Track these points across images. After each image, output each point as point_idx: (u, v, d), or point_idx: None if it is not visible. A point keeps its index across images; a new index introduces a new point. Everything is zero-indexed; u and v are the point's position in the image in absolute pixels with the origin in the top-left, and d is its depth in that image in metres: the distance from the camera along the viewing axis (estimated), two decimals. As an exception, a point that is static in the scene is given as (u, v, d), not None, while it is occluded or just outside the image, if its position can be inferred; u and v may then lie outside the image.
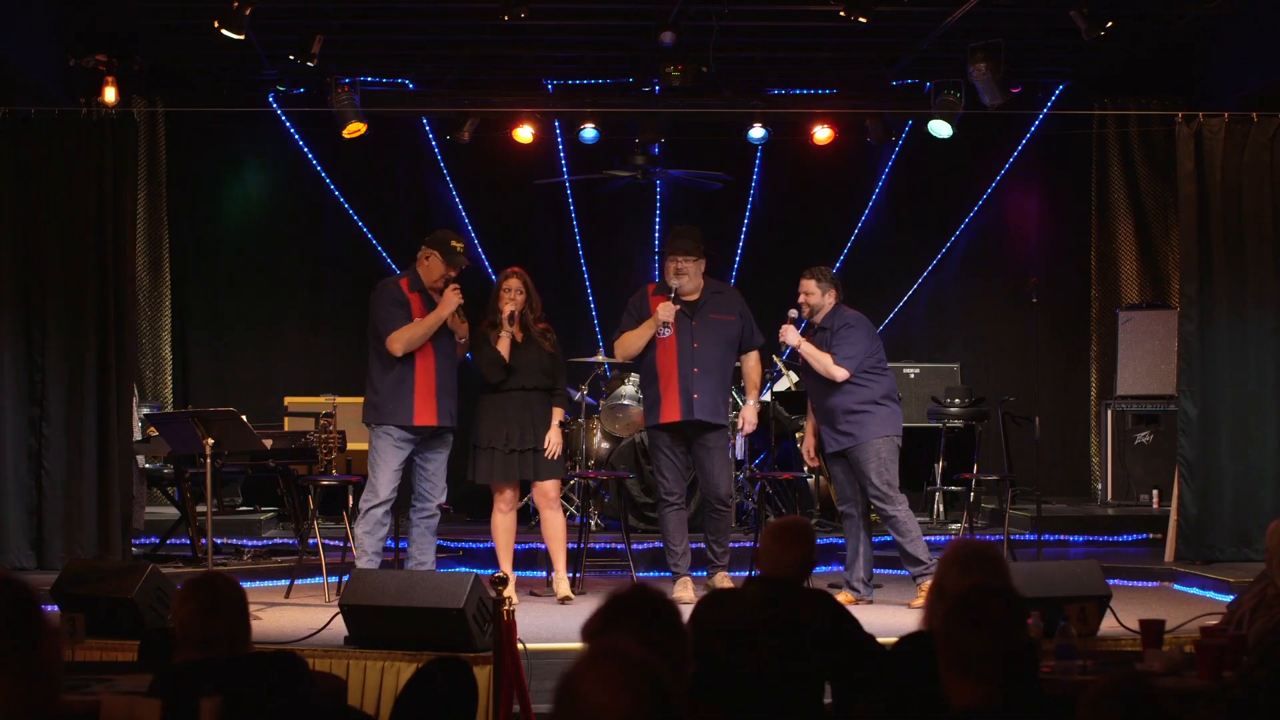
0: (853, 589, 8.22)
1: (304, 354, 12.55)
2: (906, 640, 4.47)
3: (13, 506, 9.02)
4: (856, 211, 12.67)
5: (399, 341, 8.01)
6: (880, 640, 4.98)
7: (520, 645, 5.74)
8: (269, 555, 9.87)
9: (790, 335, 8.15)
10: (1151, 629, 5.45)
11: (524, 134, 11.76)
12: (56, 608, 6.89)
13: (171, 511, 10.56)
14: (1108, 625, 6.92)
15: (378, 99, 11.40)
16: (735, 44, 11.03)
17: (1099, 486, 12.06)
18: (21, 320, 9.12)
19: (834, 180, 12.63)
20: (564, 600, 8.22)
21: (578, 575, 8.75)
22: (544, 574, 8.85)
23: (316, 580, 8.62)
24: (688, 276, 8.28)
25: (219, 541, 9.72)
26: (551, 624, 7.54)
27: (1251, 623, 5.31)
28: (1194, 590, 8.65)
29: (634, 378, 11.36)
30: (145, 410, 10.62)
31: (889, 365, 8.49)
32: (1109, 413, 11.83)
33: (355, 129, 11.07)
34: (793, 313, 8.23)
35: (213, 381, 12.37)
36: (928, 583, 7.92)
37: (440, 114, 11.89)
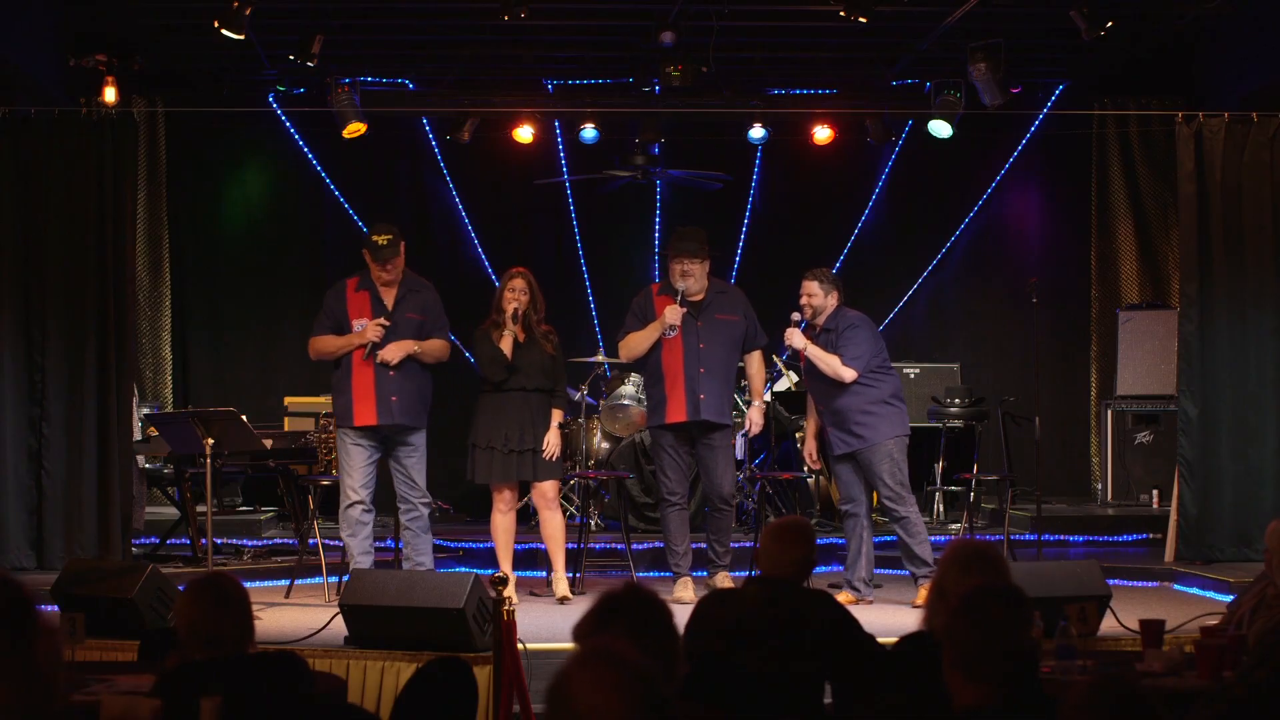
0: (853, 589, 8.22)
1: (304, 354, 12.49)
2: (906, 640, 4.47)
3: (13, 506, 9.02)
4: (856, 211, 12.67)
5: (311, 348, 8.20)
6: (880, 640, 4.98)
7: (520, 645, 5.74)
8: (269, 555, 9.87)
9: (796, 338, 8.14)
10: (1151, 629, 5.45)
11: (524, 134, 11.75)
12: (56, 608, 6.89)
13: (171, 511, 10.56)
14: (1108, 625, 6.92)
15: (378, 99, 11.40)
16: (735, 44, 11.02)
17: (1099, 486, 12.06)
18: (21, 320, 9.12)
19: (834, 180, 12.63)
20: (563, 600, 8.22)
21: (578, 575, 8.75)
22: (544, 574, 8.85)
23: (316, 580, 8.62)
24: (693, 278, 8.29)
25: (219, 541, 9.72)
26: (551, 624, 7.53)
27: (1251, 623, 5.31)
28: (1194, 590, 8.66)
29: (634, 378, 11.37)
30: (145, 410, 10.62)
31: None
32: (1109, 413, 11.83)
33: (355, 129, 11.07)
34: (796, 315, 8.23)
35: (213, 381, 12.37)
36: (922, 588, 7.94)
37: (440, 114, 11.88)
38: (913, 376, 11.81)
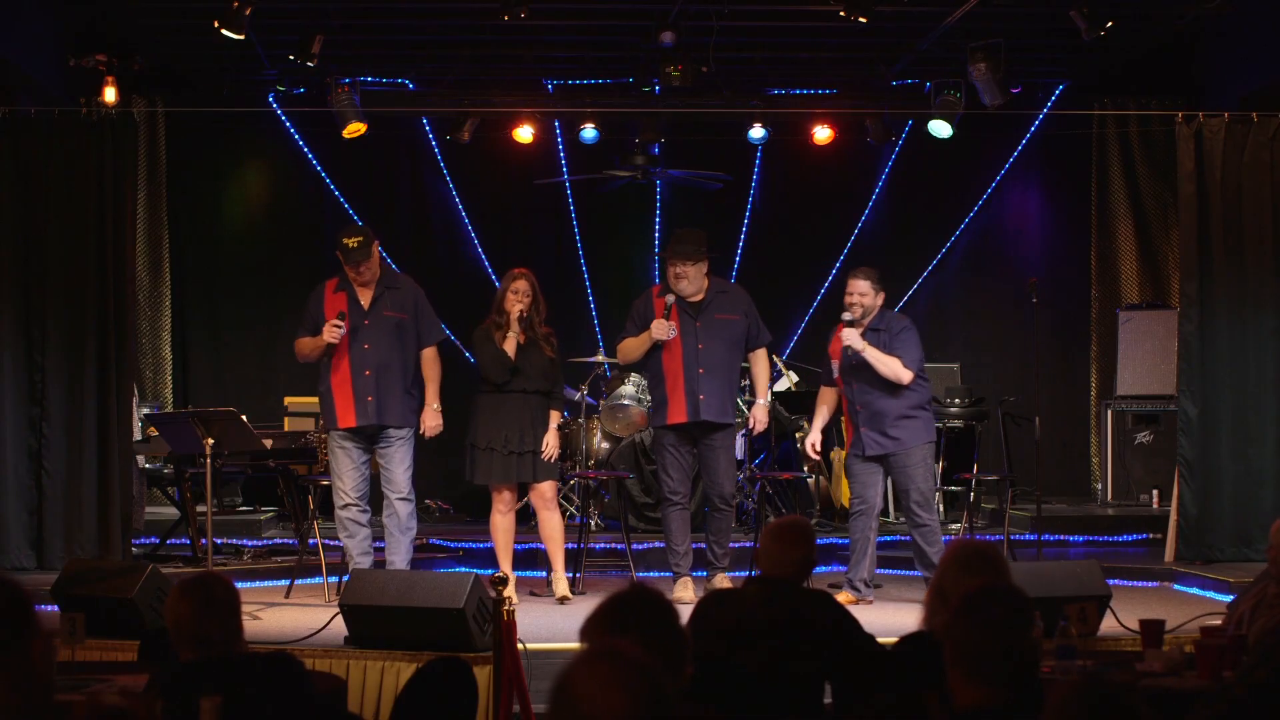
0: (854, 589, 8.22)
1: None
2: (906, 640, 4.47)
3: (13, 506, 9.02)
4: (856, 211, 12.67)
5: (295, 350, 8.22)
6: (880, 640, 4.98)
7: (520, 645, 5.74)
8: (269, 555, 9.87)
9: (855, 338, 8.10)
10: (1151, 629, 5.45)
11: (524, 134, 11.75)
12: (56, 608, 6.89)
13: (171, 511, 10.56)
14: (1108, 625, 6.92)
15: (378, 99, 11.40)
16: (735, 44, 11.02)
17: (1099, 486, 12.06)
18: (21, 320, 9.11)
19: (834, 180, 12.63)
20: (563, 600, 8.22)
21: (578, 575, 8.74)
22: (544, 574, 8.84)
23: (316, 580, 8.62)
24: (687, 280, 8.29)
25: (219, 541, 9.72)
26: (551, 624, 7.54)
27: (1251, 623, 5.31)
28: (1194, 590, 8.66)
29: (634, 378, 11.37)
30: (145, 410, 10.62)
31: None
32: (1109, 413, 11.83)
33: (355, 129, 11.07)
34: (847, 315, 8.19)
35: (213, 381, 12.37)
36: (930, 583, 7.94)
37: (440, 114, 11.88)
38: (913, 376, 11.81)
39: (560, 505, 10.82)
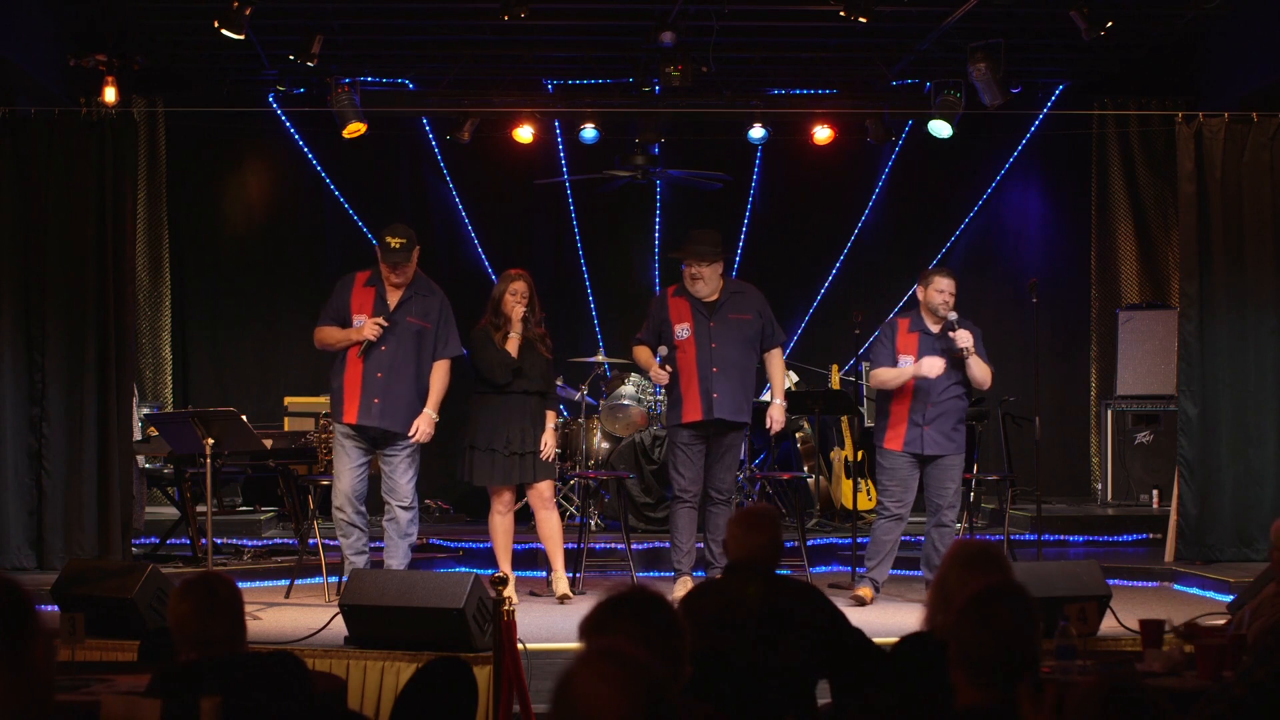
0: (877, 588, 8.26)
1: (304, 354, 12.51)
2: (907, 640, 4.47)
3: (13, 506, 9.02)
4: (856, 211, 12.67)
5: (316, 336, 8.13)
6: (881, 640, 4.98)
7: (520, 645, 5.74)
8: (269, 555, 9.87)
9: (969, 340, 8.14)
10: (1151, 629, 5.45)
11: (524, 134, 11.75)
12: (56, 608, 6.89)
13: (171, 511, 10.56)
14: (1108, 625, 6.92)
15: (378, 99, 11.40)
16: (735, 44, 11.03)
17: (1099, 486, 12.06)
18: (21, 320, 9.11)
19: (834, 180, 12.63)
20: (563, 599, 8.22)
21: (578, 575, 8.75)
22: (544, 574, 8.84)
23: (316, 580, 8.62)
24: (703, 281, 8.33)
25: (219, 541, 9.72)
26: (551, 624, 7.54)
27: (1251, 623, 5.31)
28: (1194, 590, 8.66)
29: (634, 378, 11.37)
30: (145, 410, 10.62)
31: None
32: (1109, 413, 11.83)
33: (355, 129, 11.07)
34: (953, 315, 8.18)
35: (213, 381, 12.37)
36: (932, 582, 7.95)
37: (440, 114, 11.88)
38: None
39: (560, 505, 10.85)
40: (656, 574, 9.41)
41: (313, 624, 7.15)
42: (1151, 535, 10.63)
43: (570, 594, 8.28)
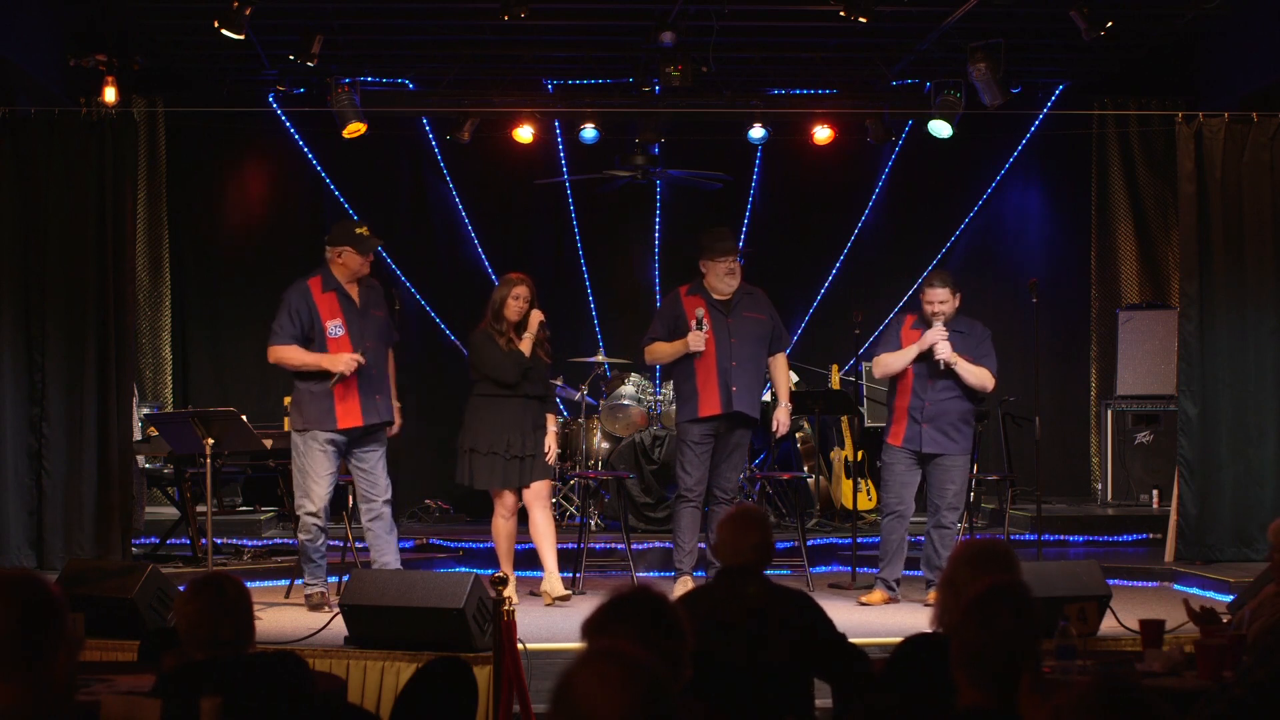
0: (889, 588, 8.25)
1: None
2: (909, 641, 4.47)
3: (13, 506, 9.02)
4: (856, 211, 12.67)
5: (274, 356, 7.92)
6: (884, 640, 4.98)
7: (520, 645, 5.74)
8: (269, 555, 9.87)
9: (948, 353, 8.09)
10: (1151, 629, 5.45)
11: (524, 134, 11.75)
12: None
13: (171, 511, 10.56)
14: (1108, 625, 6.93)
15: (378, 99, 11.39)
16: (735, 44, 11.03)
17: (1099, 486, 12.06)
18: (21, 320, 9.12)
19: (834, 180, 12.63)
20: (560, 599, 8.15)
21: (578, 575, 8.75)
22: (542, 575, 8.83)
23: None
24: (735, 276, 8.42)
25: (219, 541, 9.72)
26: (551, 624, 7.54)
27: (1251, 622, 5.32)
28: (1194, 590, 8.65)
29: (634, 377, 11.38)
30: (145, 410, 10.62)
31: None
32: (1109, 413, 11.83)
33: (355, 129, 11.07)
34: (940, 325, 8.13)
35: (213, 381, 12.37)
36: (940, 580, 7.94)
37: (440, 114, 11.88)
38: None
39: (560, 505, 10.85)
40: (657, 574, 9.41)
41: (313, 624, 7.16)
42: (1151, 535, 10.63)
43: (565, 595, 8.16)
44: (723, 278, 8.38)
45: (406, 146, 12.52)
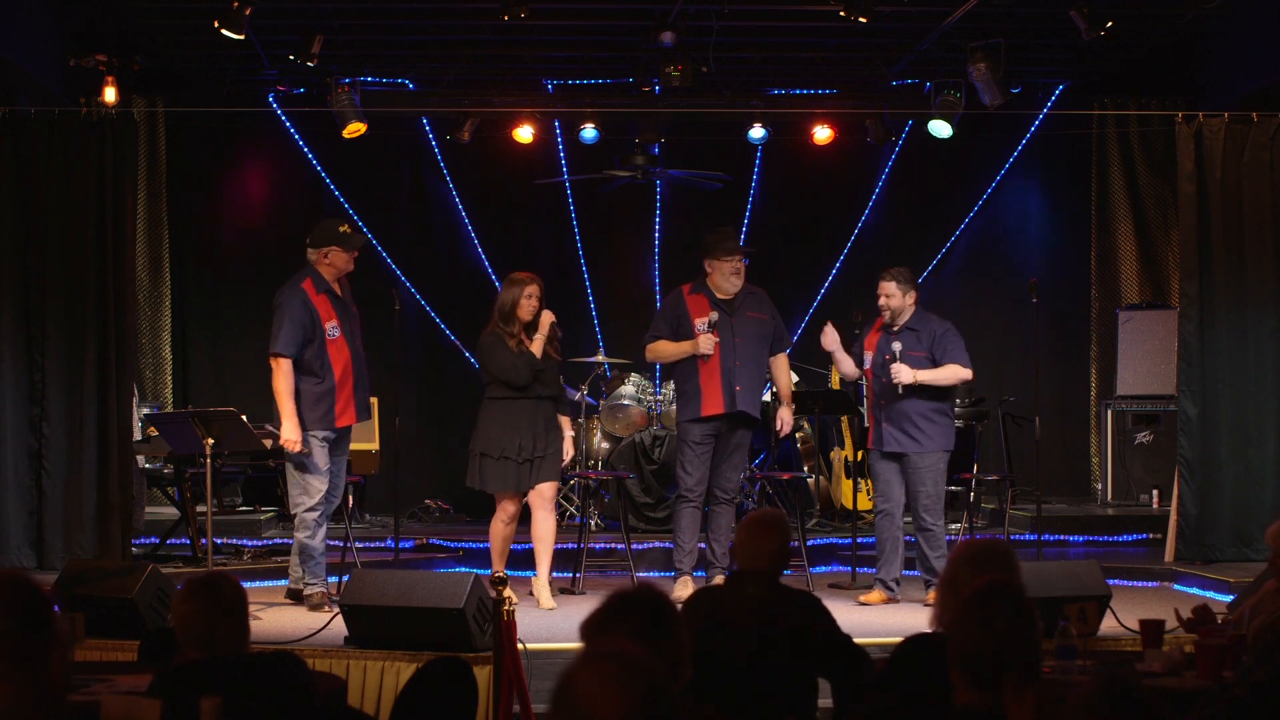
0: (887, 588, 8.25)
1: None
2: (910, 641, 4.47)
3: (13, 506, 9.02)
4: (856, 211, 12.67)
5: (276, 367, 7.84)
6: (884, 640, 4.98)
7: (520, 645, 5.74)
8: (269, 555, 9.86)
9: (905, 374, 8.09)
10: (1151, 629, 5.45)
11: (524, 134, 11.75)
12: (56, 608, 6.88)
13: (171, 511, 10.56)
14: (1108, 625, 6.93)
15: (378, 99, 11.39)
16: (735, 44, 11.03)
17: (1099, 486, 12.06)
18: (21, 320, 9.12)
19: (834, 180, 12.63)
20: (547, 608, 8.06)
21: (578, 575, 8.74)
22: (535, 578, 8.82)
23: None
24: (740, 275, 8.43)
25: (219, 541, 9.71)
26: (551, 624, 7.54)
27: (1251, 619, 5.32)
28: (1194, 590, 8.66)
29: (634, 377, 11.38)
30: (145, 410, 10.62)
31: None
32: (1109, 413, 11.83)
33: (355, 129, 11.07)
34: (897, 346, 8.16)
35: (213, 381, 12.36)
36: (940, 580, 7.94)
37: (440, 114, 11.88)
38: (913, 376, 11.80)
39: (560, 505, 10.84)
40: (657, 574, 9.41)
41: (313, 624, 7.16)
42: (1151, 535, 10.63)
43: (551, 606, 8.05)
44: (728, 277, 8.39)
45: (406, 146, 12.52)
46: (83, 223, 9.15)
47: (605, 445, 11.12)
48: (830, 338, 8.44)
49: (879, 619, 7.72)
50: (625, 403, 11.23)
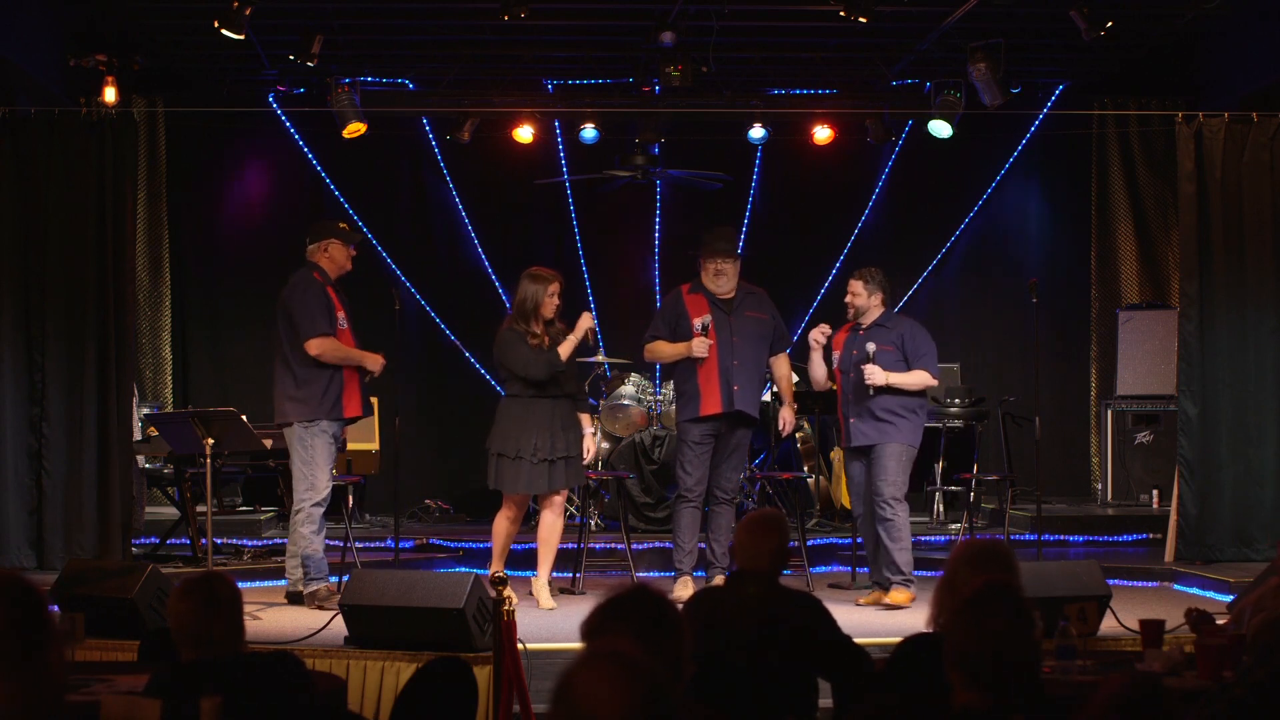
0: (883, 588, 8.16)
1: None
2: (910, 641, 4.47)
3: (13, 506, 9.02)
4: (856, 211, 12.67)
5: (320, 347, 7.89)
6: (884, 640, 4.99)
7: (520, 645, 5.74)
8: (269, 555, 9.86)
9: (878, 376, 8.07)
10: (1151, 629, 5.45)
11: (524, 134, 11.75)
12: (56, 608, 6.89)
13: (171, 511, 10.56)
14: (1108, 625, 6.92)
15: (378, 99, 11.40)
16: (735, 44, 11.03)
17: (1099, 486, 12.06)
18: (21, 320, 9.12)
19: (834, 180, 12.63)
20: (546, 608, 8.04)
21: (578, 575, 8.74)
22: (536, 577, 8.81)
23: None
24: (726, 278, 8.39)
25: (219, 541, 9.72)
26: (551, 624, 7.54)
27: (1252, 617, 5.31)
28: (1194, 590, 8.66)
29: (634, 377, 11.38)
30: (145, 410, 10.62)
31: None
32: (1109, 413, 11.83)
33: (355, 129, 11.07)
34: (870, 346, 8.16)
35: (213, 381, 12.36)
36: (896, 593, 7.94)
37: (440, 114, 11.88)
38: (913, 376, 11.81)
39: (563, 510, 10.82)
40: (657, 574, 9.40)
41: (313, 624, 7.15)
42: (1151, 535, 10.63)
43: (551, 606, 8.02)
44: (711, 278, 8.40)
45: (406, 146, 12.52)
46: (83, 223, 9.15)
47: (605, 445, 11.12)
48: (820, 335, 8.35)
49: (879, 619, 7.72)
50: (625, 403, 11.23)
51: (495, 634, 5.70)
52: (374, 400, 9.93)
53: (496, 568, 8.02)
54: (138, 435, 9.84)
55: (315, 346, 7.92)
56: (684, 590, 8.25)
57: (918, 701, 3.65)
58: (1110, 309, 12.37)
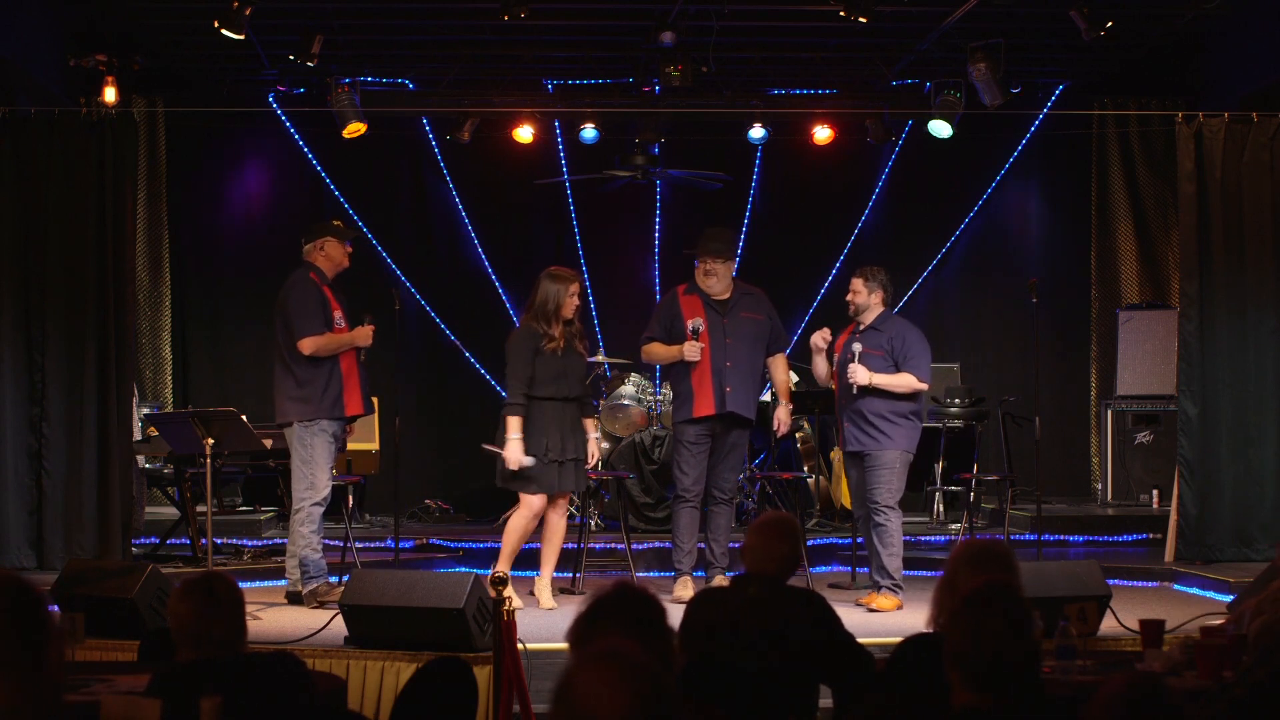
0: (894, 590, 8.14)
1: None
2: (909, 642, 4.47)
3: (13, 506, 9.02)
4: (856, 211, 12.67)
5: (313, 345, 7.91)
6: (884, 640, 4.98)
7: (520, 645, 5.74)
8: (269, 555, 9.86)
9: (861, 374, 8.06)
10: (1151, 629, 5.45)
11: (524, 134, 11.76)
12: (56, 608, 6.89)
13: (171, 511, 10.56)
14: (1108, 625, 6.92)
15: (378, 99, 11.40)
16: (735, 44, 11.03)
17: (1099, 486, 12.06)
18: (21, 320, 9.12)
19: (834, 180, 12.63)
20: (547, 608, 8.05)
21: (578, 575, 8.74)
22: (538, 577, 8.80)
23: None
24: (716, 278, 8.38)
25: (219, 541, 9.71)
26: (551, 624, 7.53)
27: (1253, 619, 5.31)
28: (1194, 590, 8.66)
29: (634, 378, 11.38)
30: (145, 410, 10.62)
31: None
32: (1109, 413, 11.83)
33: (355, 129, 11.07)
34: (857, 347, 8.16)
35: (213, 381, 12.37)
36: (884, 598, 7.94)
37: (440, 114, 11.89)
38: (913, 376, 11.81)
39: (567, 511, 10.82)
40: (657, 574, 9.40)
41: (313, 624, 7.15)
42: (1151, 535, 10.63)
43: (551, 606, 8.02)
44: (701, 278, 8.40)
45: (406, 146, 12.52)
46: (83, 223, 9.15)
47: (605, 445, 11.12)
48: (822, 340, 8.37)
49: (879, 619, 7.71)
50: (625, 403, 11.23)
51: (495, 634, 5.70)
52: (374, 400, 9.92)
53: (502, 568, 8.00)
54: (138, 435, 9.84)
55: (308, 345, 7.96)
56: (684, 590, 8.25)
57: (918, 701, 3.65)
58: (1110, 309, 12.37)
